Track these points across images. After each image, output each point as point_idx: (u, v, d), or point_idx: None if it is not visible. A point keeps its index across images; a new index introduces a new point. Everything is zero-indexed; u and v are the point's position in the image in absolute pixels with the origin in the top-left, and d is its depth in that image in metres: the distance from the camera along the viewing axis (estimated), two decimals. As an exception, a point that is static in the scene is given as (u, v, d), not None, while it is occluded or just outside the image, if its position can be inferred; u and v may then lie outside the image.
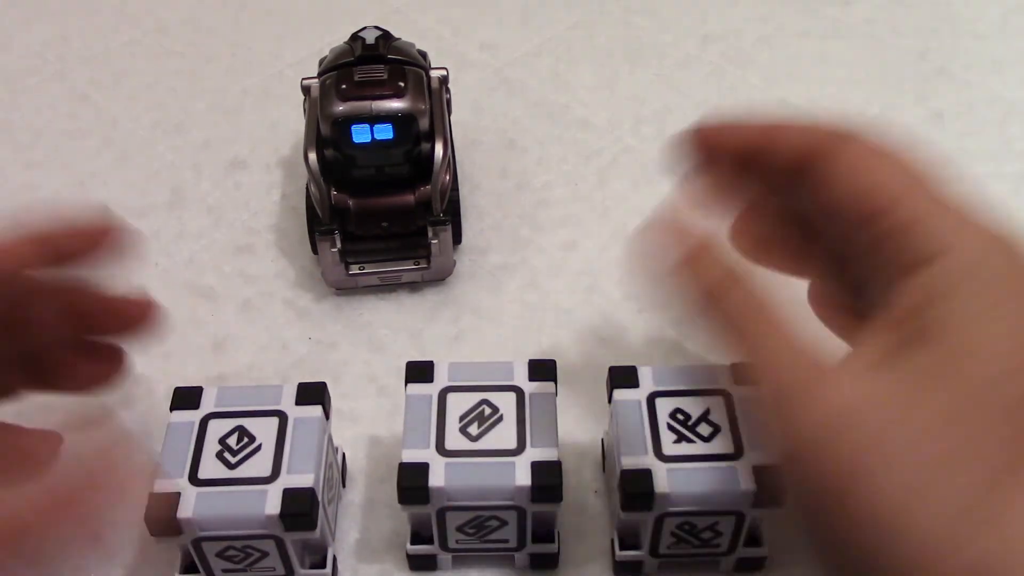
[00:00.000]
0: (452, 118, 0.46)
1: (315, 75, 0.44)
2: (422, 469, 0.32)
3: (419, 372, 0.35)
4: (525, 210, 0.49)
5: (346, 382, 0.42)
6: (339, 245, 0.43)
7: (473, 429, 0.34)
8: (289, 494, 0.32)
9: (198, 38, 0.60)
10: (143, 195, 0.50)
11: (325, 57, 0.45)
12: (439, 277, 0.45)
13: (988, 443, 0.23)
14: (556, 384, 0.35)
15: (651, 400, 0.34)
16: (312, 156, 0.42)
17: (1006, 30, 0.59)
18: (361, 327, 0.44)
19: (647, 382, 0.35)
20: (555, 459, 0.33)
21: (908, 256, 0.27)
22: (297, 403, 0.34)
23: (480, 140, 0.53)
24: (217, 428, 0.34)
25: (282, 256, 0.47)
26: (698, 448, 0.33)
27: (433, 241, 0.43)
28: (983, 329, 0.25)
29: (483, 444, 0.33)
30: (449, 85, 0.46)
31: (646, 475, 0.32)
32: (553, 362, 0.36)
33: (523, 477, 0.32)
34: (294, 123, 0.53)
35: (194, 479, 0.32)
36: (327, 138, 0.42)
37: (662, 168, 0.51)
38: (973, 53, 0.57)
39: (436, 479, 0.32)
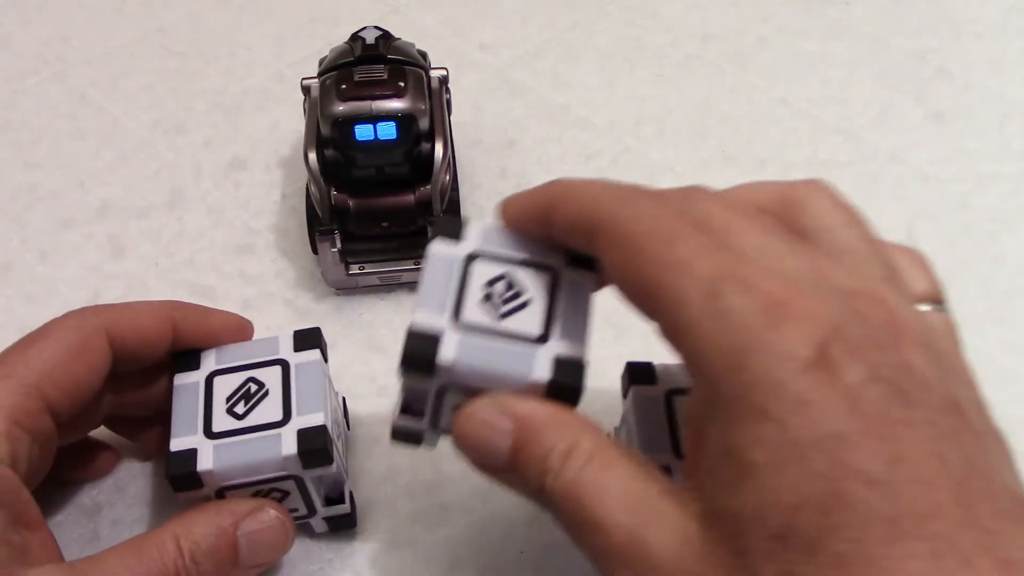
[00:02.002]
0: (452, 118, 0.46)
1: (315, 75, 0.44)
2: (431, 340, 0.29)
3: (449, 228, 0.31)
4: (525, 210, 0.49)
5: (346, 382, 0.42)
6: (339, 245, 0.43)
7: (495, 307, 0.30)
8: (303, 433, 0.33)
9: (198, 38, 0.60)
10: (143, 195, 0.50)
11: (325, 57, 0.45)
12: (439, 277, 0.45)
13: None
14: (596, 275, 0.31)
15: (668, 397, 0.34)
16: (312, 156, 0.42)
17: (1006, 30, 0.59)
18: (361, 327, 0.44)
19: (665, 379, 0.34)
20: (579, 357, 0.29)
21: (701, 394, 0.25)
22: (296, 350, 0.35)
23: (480, 140, 0.53)
24: (223, 384, 0.35)
25: (282, 256, 0.47)
26: None
27: (433, 241, 0.43)
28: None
29: (506, 325, 0.29)
30: (449, 85, 0.46)
31: (664, 472, 0.32)
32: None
33: (542, 370, 0.29)
34: (294, 123, 0.53)
35: (209, 433, 0.33)
36: (327, 138, 0.42)
37: (661, 168, 0.51)
38: (973, 53, 0.57)
39: (446, 352, 0.28)
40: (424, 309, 0.29)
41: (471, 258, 0.30)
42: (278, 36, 0.60)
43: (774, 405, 0.22)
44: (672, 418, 0.33)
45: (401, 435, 0.31)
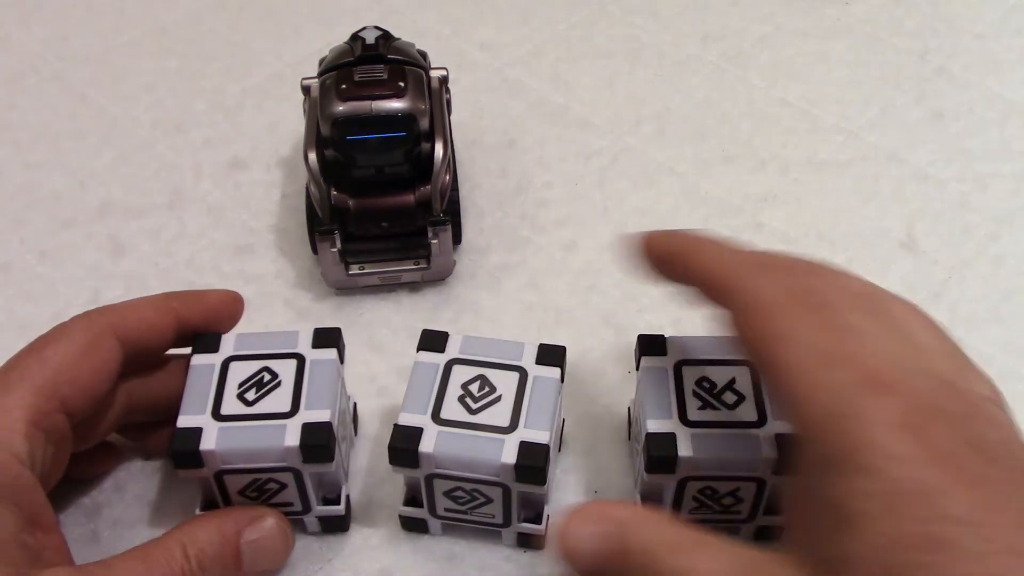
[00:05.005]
0: (452, 118, 0.46)
1: (315, 75, 0.44)
2: (415, 433, 0.34)
3: (433, 341, 0.36)
4: (525, 210, 0.49)
5: (346, 382, 0.42)
6: (339, 245, 0.43)
7: (471, 402, 0.34)
8: (308, 427, 0.33)
9: (198, 38, 0.60)
10: (143, 195, 0.50)
11: (325, 57, 0.45)
12: (439, 277, 0.45)
13: None
14: (563, 371, 0.36)
15: (678, 368, 0.35)
16: (312, 156, 0.42)
17: (1006, 30, 0.59)
18: (361, 327, 0.44)
19: (674, 351, 0.36)
20: (545, 442, 0.33)
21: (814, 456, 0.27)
22: (314, 346, 0.36)
23: (480, 140, 0.53)
24: (238, 370, 0.35)
25: (282, 256, 0.47)
26: (722, 415, 0.34)
27: (433, 241, 0.43)
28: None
29: (478, 418, 0.34)
30: (449, 85, 0.46)
31: (670, 438, 0.33)
32: (563, 348, 0.36)
33: (509, 455, 0.33)
34: (294, 123, 0.53)
35: (216, 415, 0.34)
36: (327, 138, 0.42)
37: (661, 168, 0.51)
38: (973, 53, 0.57)
39: (426, 445, 0.33)
40: (408, 410, 0.34)
41: (451, 363, 0.36)
42: (278, 36, 0.60)
43: (872, 461, 0.25)
44: (680, 388, 0.35)
45: (409, 524, 0.37)
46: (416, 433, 0.34)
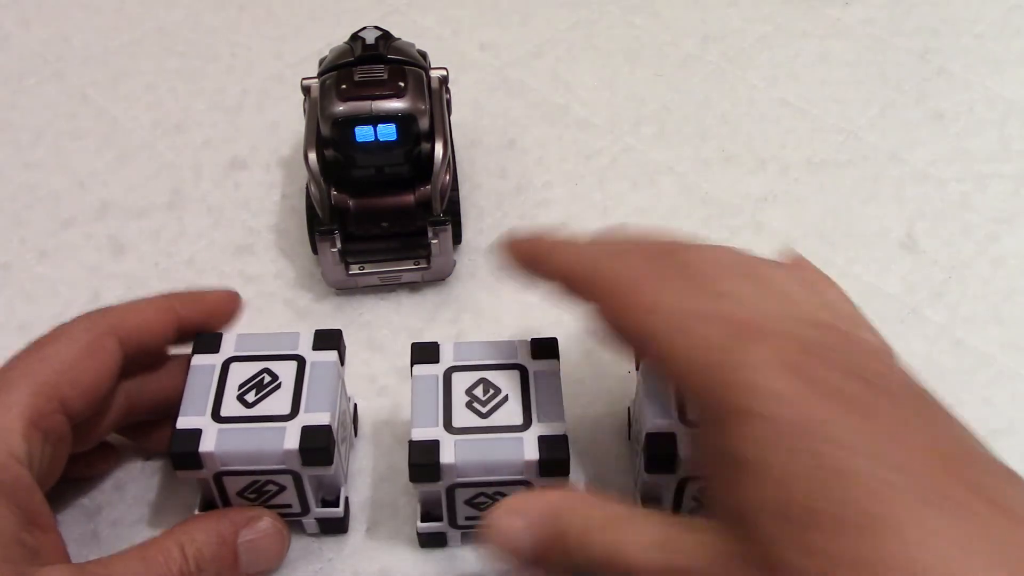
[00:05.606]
0: (452, 118, 0.46)
1: (315, 75, 0.44)
2: (432, 446, 0.33)
3: (425, 353, 0.36)
4: (525, 210, 0.49)
5: (346, 382, 0.42)
6: (339, 245, 0.43)
7: (480, 407, 0.34)
8: (307, 430, 0.33)
9: (198, 38, 0.60)
10: (143, 195, 0.50)
11: (325, 57, 0.45)
12: (439, 277, 0.45)
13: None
14: (559, 361, 0.36)
15: None
16: (312, 156, 0.42)
17: (1006, 30, 0.59)
18: (361, 327, 0.44)
19: None
20: (563, 433, 0.33)
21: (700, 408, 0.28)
22: (314, 348, 0.36)
23: (480, 140, 0.53)
24: (239, 371, 0.35)
25: (282, 256, 0.47)
26: None
27: (433, 241, 0.43)
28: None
29: (491, 421, 0.34)
30: (449, 85, 0.46)
31: (670, 438, 0.33)
32: (555, 340, 0.36)
33: (531, 452, 0.33)
34: (294, 123, 0.53)
35: (216, 416, 0.34)
36: (327, 138, 0.42)
37: (661, 168, 0.51)
38: (973, 53, 0.57)
39: (446, 456, 0.33)
40: (419, 425, 0.34)
41: (449, 372, 0.35)
42: (278, 36, 0.60)
43: (756, 404, 0.25)
44: None
45: (427, 540, 0.36)
46: (433, 446, 0.33)
